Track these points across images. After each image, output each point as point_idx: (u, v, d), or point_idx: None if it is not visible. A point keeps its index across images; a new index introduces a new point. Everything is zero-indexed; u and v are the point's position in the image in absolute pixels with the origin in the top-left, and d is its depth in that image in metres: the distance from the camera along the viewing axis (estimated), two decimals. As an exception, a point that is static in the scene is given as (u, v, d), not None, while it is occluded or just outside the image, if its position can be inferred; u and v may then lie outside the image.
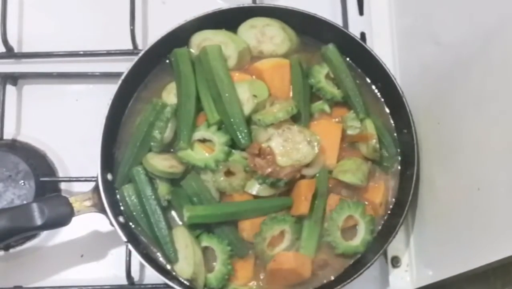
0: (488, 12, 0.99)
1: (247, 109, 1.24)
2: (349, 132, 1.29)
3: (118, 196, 1.25)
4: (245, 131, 1.22)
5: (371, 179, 1.28)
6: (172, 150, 1.26)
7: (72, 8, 1.48)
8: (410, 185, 1.24)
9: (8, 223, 1.15)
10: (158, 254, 1.24)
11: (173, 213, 1.26)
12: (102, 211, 1.21)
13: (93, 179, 1.25)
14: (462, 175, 1.09)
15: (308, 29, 1.33)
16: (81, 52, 1.41)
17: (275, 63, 1.31)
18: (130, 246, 1.20)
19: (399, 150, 1.30)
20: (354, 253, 1.25)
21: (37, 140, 1.41)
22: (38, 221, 1.15)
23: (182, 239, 1.21)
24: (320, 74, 1.30)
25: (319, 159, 1.23)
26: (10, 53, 1.42)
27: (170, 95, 1.29)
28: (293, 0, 1.35)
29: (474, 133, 1.04)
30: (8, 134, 1.38)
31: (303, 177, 1.22)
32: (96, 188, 1.22)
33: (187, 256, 1.20)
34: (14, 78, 1.41)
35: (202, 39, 1.31)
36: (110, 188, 1.24)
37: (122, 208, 1.25)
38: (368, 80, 1.35)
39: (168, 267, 1.23)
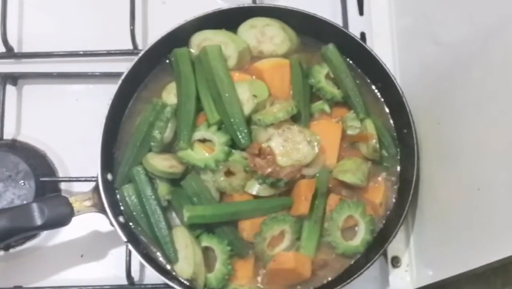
0: (488, 12, 0.99)
1: (247, 109, 1.24)
2: (349, 132, 1.29)
3: (118, 196, 1.25)
4: (245, 131, 1.22)
5: (371, 179, 1.28)
6: (172, 150, 1.26)
7: (72, 8, 1.48)
8: (410, 185, 1.24)
9: (8, 223, 1.15)
10: (158, 254, 1.24)
11: (173, 213, 1.26)
12: (102, 211, 1.21)
13: (93, 179, 1.25)
14: (462, 175, 1.09)
15: (308, 29, 1.33)
16: (81, 52, 1.42)
17: (275, 63, 1.31)
18: (130, 246, 1.20)
19: (399, 150, 1.30)
20: (354, 253, 1.25)
21: (37, 140, 1.41)
22: (38, 221, 1.15)
23: (182, 239, 1.21)
24: (320, 74, 1.30)
25: (319, 159, 1.23)
26: (10, 53, 1.42)
27: (170, 95, 1.29)
28: (293, 0, 1.35)
29: (474, 133, 1.04)
30: (8, 134, 1.38)
31: (303, 177, 1.22)
32: (96, 188, 1.22)
33: (187, 256, 1.20)
34: (14, 78, 1.42)
35: (202, 39, 1.31)
36: (110, 188, 1.24)
37: (122, 208, 1.25)
38: (368, 80, 1.35)
39: (168, 267, 1.23)
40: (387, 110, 1.34)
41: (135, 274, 1.32)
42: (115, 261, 1.34)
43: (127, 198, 1.23)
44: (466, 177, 1.07)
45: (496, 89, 0.97)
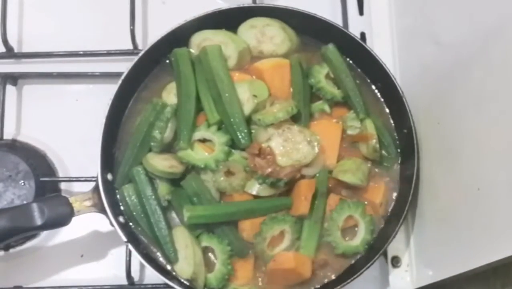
0: (488, 12, 0.99)
1: (247, 109, 1.24)
2: (349, 132, 1.29)
3: (118, 196, 1.25)
4: (245, 131, 1.22)
5: (371, 179, 1.28)
6: (172, 150, 1.26)
7: (72, 8, 1.48)
8: (410, 185, 1.24)
9: (8, 223, 1.15)
10: (158, 254, 1.24)
11: (173, 213, 1.26)
12: (102, 211, 1.21)
13: (93, 179, 1.25)
14: (462, 175, 1.09)
15: (308, 29, 1.33)
16: (81, 52, 1.42)
17: (275, 63, 1.31)
18: (130, 246, 1.20)
19: (399, 150, 1.30)
20: (354, 253, 1.25)
21: (37, 140, 1.41)
22: (38, 221, 1.15)
23: (182, 239, 1.21)
24: (320, 74, 1.30)
25: (319, 159, 1.23)
26: (10, 53, 1.42)
27: (170, 95, 1.29)
28: (293, 0, 1.35)
29: (474, 133, 1.04)
30: (8, 134, 1.38)
31: (303, 177, 1.22)
32: (96, 188, 1.22)
33: (187, 256, 1.20)
34: (14, 78, 1.42)
35: (202, 39, 1.31)
36: (110, 188, 1.24)
37: (122, 208, 1.25)
38: (368, 80, 1.35)
39: (168, 267, 1.23)
40: (387, 110, 1.34)
41: (135, 274, 1.32)
42: (115, 261, 1.34)
43: (127, 198, 1.23)
44: (466, 177, 1.07)
45: (496, 89, 0.97)
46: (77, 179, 1.35)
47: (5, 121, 1.37)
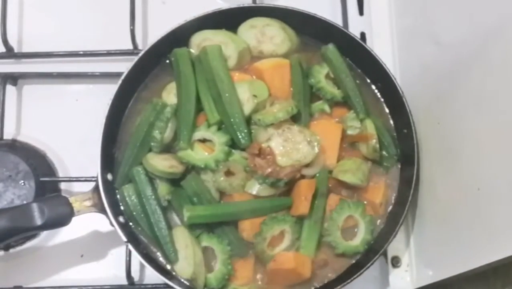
0: (488, 12, 0.99)
1: (247, 109, 1.24)
2: (349, 132, 1.29)
3: (118, 196, 1.25)
4: (245, 131, 1.22)
5: (371, 179, 1.28)
6: (172, 150, 1.26)
7: (72, 8, 1.48)
8: (410, 185, 1.24)
9: (8, 223, 1.15)
10: (158, 254, 1.24)
11: (173, 213, 1.26)
12: (102, 211, 1.21)
13: (93, 179, 1.25)
14: (462, 175, 1.09)
15: (308, 29, 1.33)
16: (81, 52, 1.42)
17: (275, 63, 1.31)
18: (130, 246, 1.20)
19: (399, 150, 1.30)
20: (354, 253, 1.25)
21: (37, 140, 1.41)
22: (38, 221, 1.15)
23: (182, 239, 1.21)
24: (320, 74, 1.30)
25: (319, 159, 1.23)
26: (10, 53, 1.42)
27: (170, 95, 1.29)
28: (293, 0, 1.35)
29: (474, 133, 1.04)
30: (8, 134, 1.38)
31: (303, 177, 1.22)
32: (96, 188, 1.22)
33: (187, 256, 1.20)
34: (14, 78, 1.42)
35: (202, 39, 1.31)
36: (110, 188, 1.24)
37: (122, 208, 1.25)
38: (368, 80, 1.35)
39: (168, 267, 1.23)
40: (387, 110, 1.34)
41: (135, 274, 1.32)
42: (115, 261, 1.34)
43: (127, 198, 1.23)
44: (466, 177, 1.07)
45: (496, 89, 0.97)
46: (77, 179, 1.35)
47: (5, 121, 1.37)
